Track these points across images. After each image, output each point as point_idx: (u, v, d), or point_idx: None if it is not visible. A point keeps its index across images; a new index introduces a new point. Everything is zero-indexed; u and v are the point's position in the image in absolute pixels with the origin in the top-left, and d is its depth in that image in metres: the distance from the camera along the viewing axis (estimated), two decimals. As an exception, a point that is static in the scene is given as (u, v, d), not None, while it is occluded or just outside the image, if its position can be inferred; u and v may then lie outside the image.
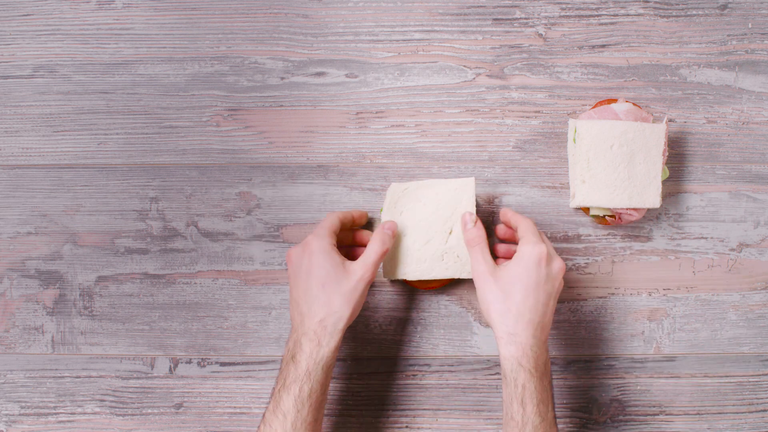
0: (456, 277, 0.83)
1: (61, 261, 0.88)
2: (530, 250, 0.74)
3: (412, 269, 0.83)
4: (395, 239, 0.82)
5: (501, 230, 0.84)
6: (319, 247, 0.76)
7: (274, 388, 0.75)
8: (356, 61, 0.88)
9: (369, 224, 0.87)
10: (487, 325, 0.76)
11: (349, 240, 0.84)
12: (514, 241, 0.83)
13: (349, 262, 0.77)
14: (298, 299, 0.76)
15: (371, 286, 0.86)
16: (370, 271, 0.76)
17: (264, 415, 0.74)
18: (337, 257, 0.76)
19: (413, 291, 0.88)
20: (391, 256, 0.83)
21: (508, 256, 0.83)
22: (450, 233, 0.82)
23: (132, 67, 0.88)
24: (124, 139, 0.88)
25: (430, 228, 0.82)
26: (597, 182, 0.83)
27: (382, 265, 0.83)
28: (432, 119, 0.88)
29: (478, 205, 0.85)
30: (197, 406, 0.88)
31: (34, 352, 0.88)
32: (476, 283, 0.76)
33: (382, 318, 0.88)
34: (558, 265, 0.75)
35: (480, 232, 0.79)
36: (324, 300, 0.74)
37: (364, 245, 0.83)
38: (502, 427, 0.74)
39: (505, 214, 0.82)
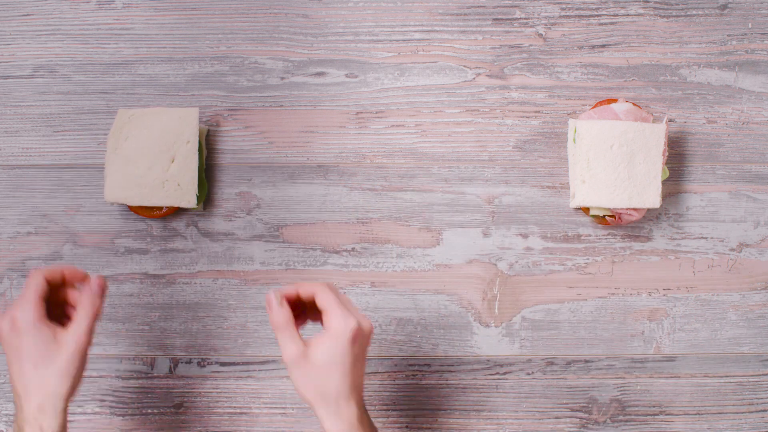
0: (176, 205, 0.84)
1: (61, 261, 0.88)
2: (342, 326, 0.68)
3: (132, 194, 0.83)
4: (121, 163, 0.83)
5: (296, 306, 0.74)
6: (26, 320, 0.68)
7: None
8: (356, 61, 0.88)
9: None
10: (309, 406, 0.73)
11: (62, 298, 0.75)
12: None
13: (61, 332, 0.70)
14: (14, 381, 0.70)
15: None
16: (83, 339, 0.70)
17: None
18: (46, 330, 0.69)
19: (414, 292, 0.88)
20: (114, 181, 0.83)
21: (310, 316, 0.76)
22: (172, 161, 0.84)
23: (132, 67, 0.88)
24: (124, 139, 0.88)
25: (152, 154, 0.83)
26: (597, 182, 0.83)
27: (104, 187, 0.84)
28: (432, 119, 0.88)
29: (208, 134, 0.86)
30: (197, 406, 0.88)
31: (34, 352, 0.88)
32: (289, 370, 0.70)
33: (382, 318, 0.88)
34: (366, 331, 0.70)
35: (286, 313, 0.70)
36: (38, 382, 0.69)
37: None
38: None
39: (296, 290, 0.72)
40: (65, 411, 0.70)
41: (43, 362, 0.69)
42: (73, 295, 0.75)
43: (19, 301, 0.70)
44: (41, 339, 0.69)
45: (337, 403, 0.69)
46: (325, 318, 0.70)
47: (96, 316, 0.72)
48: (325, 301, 0.70)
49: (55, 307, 0.74)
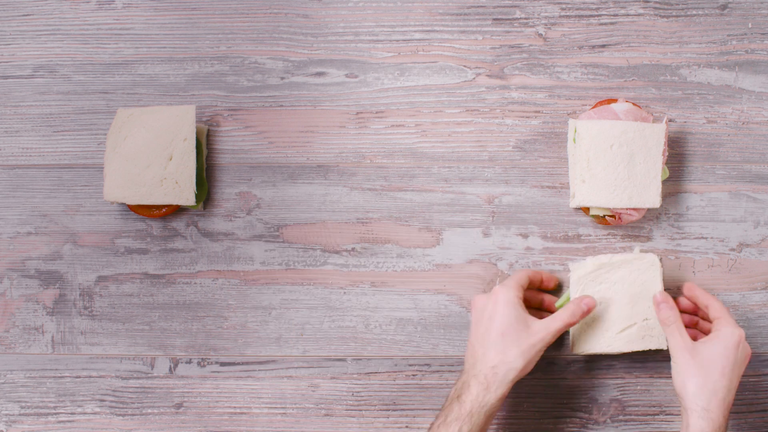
0: (175, 203, 0.84)
1: (61, 261, 0.88)
2: (731, 332, 0.76)
3: (131, 193, 0.83)
4: (120, 162, 0.83)
5: (683, 303, 0.85)
6: (506, 297, 0.78)
7: (433, 423, 0.76)
8: (356, 61, 0.88)
9: (557, 290, 0.88)
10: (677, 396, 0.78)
11: (536, 302, 0.85)
12: (693, 312, 0.85)
13: (532, 319, 0.78)
14: (475, 342, 0.78)
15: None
16: (551, 335, 0.78)
17: None
18: (521, 310, 0.78)
19: (414, 292, 0.88)
20: (114, 180, 0.84)
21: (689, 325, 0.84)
22: (170, 159, 0.83)
23: (132, 67, 0.88)
24: (124, 139, 0.88)
25: (150, 153, 0.83)
26: (597, 182, 0.83)
27: (104, 187, 0.84)
28: (432, 119, 0.88)
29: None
30: (197, 406, 0.88)
31: (34, 352, 0.88)
32: (674, 358, 0.77)
33: (382, 318, 0.88)
34: (748, 350, 0.78)
35: (674, 311, 0.79)
36: (501, 348, 0.76)
37: (548, 310, 0.85)
38: None
39: (691, 290, 0.83)
40: (511, 385, 0.76)
41: (510, 334, 0.77)
42: (547, 299, 0.86)
43: (504, 282, 0.80)
44: (515, 315, 0.77)
45: (709, 401, 0.74)
46: (716, 324, 0.78)
47: (569, 326, 0.79)
48: (719, 309, 0.79)
49: (528, 309, 0.81)
